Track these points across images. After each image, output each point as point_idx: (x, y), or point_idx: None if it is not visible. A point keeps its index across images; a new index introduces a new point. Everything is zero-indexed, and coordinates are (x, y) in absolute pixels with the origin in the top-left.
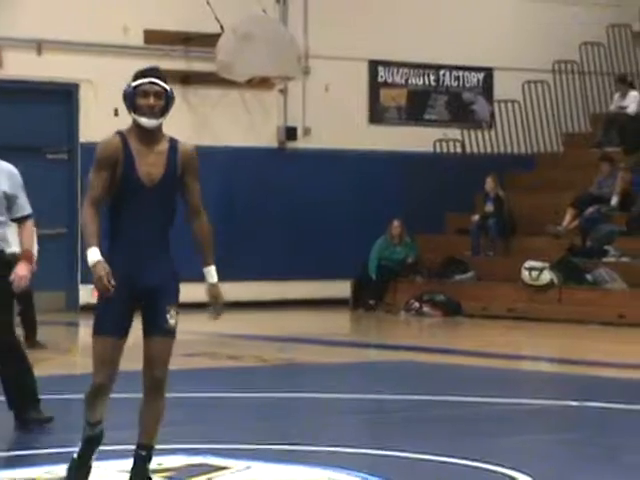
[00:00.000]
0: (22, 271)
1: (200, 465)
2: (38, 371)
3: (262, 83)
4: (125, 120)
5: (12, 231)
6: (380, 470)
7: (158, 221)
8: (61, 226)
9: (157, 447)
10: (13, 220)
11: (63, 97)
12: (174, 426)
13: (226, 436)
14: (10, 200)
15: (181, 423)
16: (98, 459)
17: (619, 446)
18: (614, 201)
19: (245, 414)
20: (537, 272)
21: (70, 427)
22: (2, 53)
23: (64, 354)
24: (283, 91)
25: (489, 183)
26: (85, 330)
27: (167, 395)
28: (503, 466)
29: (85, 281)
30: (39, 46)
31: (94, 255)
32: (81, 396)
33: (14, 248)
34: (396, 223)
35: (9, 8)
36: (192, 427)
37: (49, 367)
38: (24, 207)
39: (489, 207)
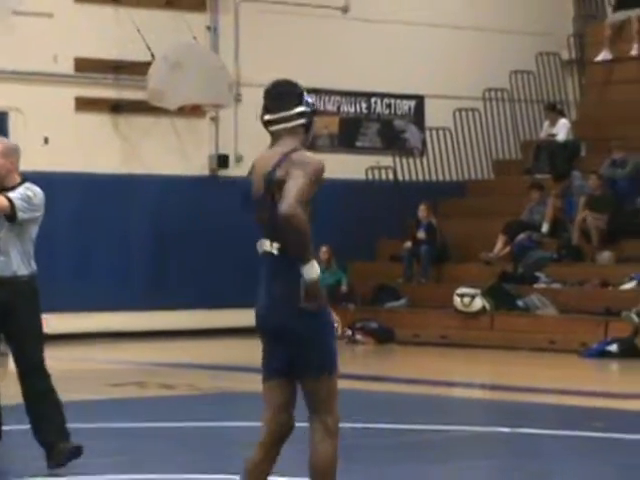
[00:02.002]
0: None
1: None
2: None
3: (193, 111)
4: (54, 149)
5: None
6: None
7: None
8: None
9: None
10: None
11: None
12: (103, 457)
13: (158, 467)
14: None
15: (111, 454)
16: None
17: (550, 472)
18: (545, 228)
19: (178, 444)
20: (469, 299)
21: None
22: None
23: None
24: (215, 119)
25: (422, 210)
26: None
27: (94, 425)
28: None
29: None
30: None
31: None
32: (11, 427)
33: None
34: (324, 249)
35: None
36: (122, 458)
37: None
38: None
39: (421, 234)
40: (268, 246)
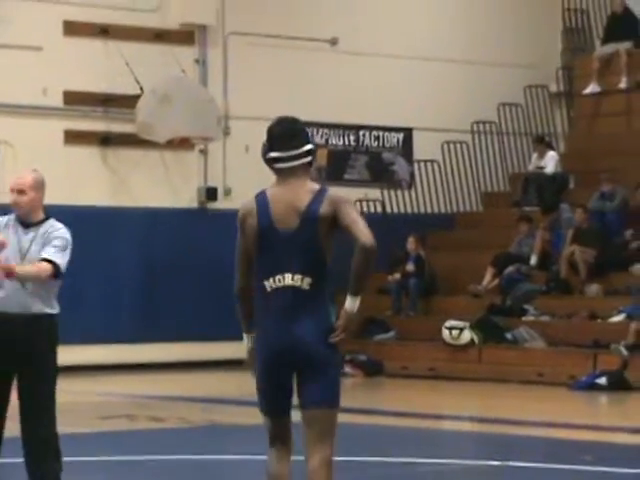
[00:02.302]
0: None
1: None
2: None
3: (182, 144)
4: (49, 184)
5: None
6: None
7: None
8: None
9: None
10: None
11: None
12: None
13: None
14: None
15: None
16: None
17: None
18: (533, 260)
19: (168, 477)
20: (457, 331)
21: None
22: None
23: None
24: (203, 152)
25: (410, 243)
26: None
27: (85, 459)
28: None
29: None
30: None
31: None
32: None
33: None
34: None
35: None
36: None
37: None
38: None
39: (410, 267)
40: (294, 280)
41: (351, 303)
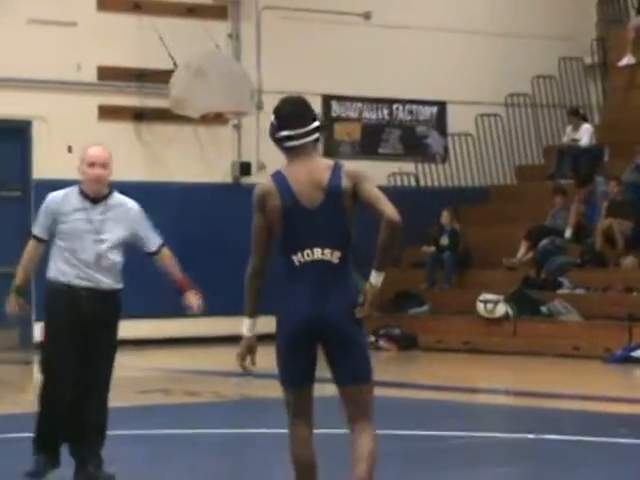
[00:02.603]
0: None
1: None
2: None
3: (216, 119)
4: (78, 157)
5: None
6: None
7: None
8: (12, 264)
9: None
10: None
11: (16, 134)
12: (130, 463)
13: (183, 474)
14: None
15: (137, 460)
16: None
17: (575, 479)
18: (568, 233)
19: (203, 450)
20: (492, 305)
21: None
22: None
23: (19, 393)
24: (237, 126)
25: (445, 217)
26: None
27: (121, 432)
28: None
29: (39, 319)
30: None
31: None
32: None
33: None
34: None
35: None
36: (147, 464)
37: (4, 405)
38: None
39: (444, 240)
40: (325, 254)
41: (376, 278)
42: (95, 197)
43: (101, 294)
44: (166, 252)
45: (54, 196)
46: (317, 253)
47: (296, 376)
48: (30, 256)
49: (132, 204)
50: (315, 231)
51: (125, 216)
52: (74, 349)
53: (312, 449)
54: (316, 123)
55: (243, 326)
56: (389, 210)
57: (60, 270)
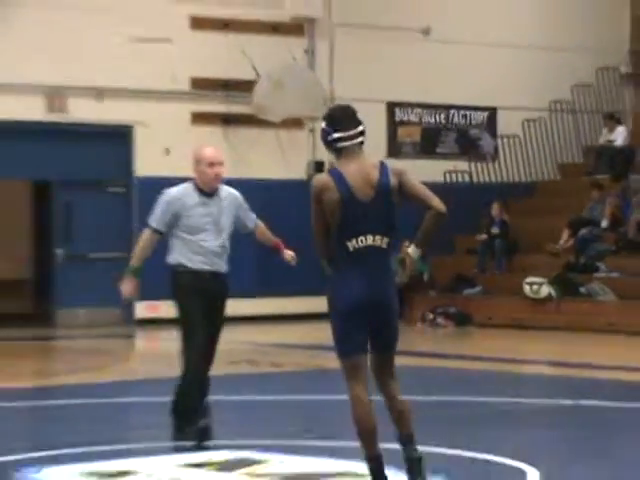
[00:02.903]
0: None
1: (243, 459)
2: (101, 378)
3: (294, 123)
4: (174, 157)
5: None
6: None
7: None
8: (117, 250)
9: (207, 444)
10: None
11: (120, 138)
12: (220, 425)
13: (265, 434)
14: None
15: (227, 423)
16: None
17: (612, 441)
18: (604, 223)
19: (282, 414)
20: (537, 286)
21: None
22: (65, 100)
23: (124, 362)
24: (312, 130)
25: (495, 209)
26: (141, 342)
27: (216, 398)
28: (511, 458)
29: (141, 297)
30: (99, 93)
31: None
32: (137, 399)
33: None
34: (406, 243)
35: (71, 60)
36: (236, 426)
37: (111, 374)
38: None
39: (495, 230)
40: (375, 241)
41: (416, 252)
42: (210, 192)
43: (220, 276)
44: (261, 224)
45: (173, 194)
46: (369, 240)
47: (358, 346)
48: (146, 244)
49: (235, 192)
50: (367, 221)
51: (234, 203)
52: (205, 326)
53: (374, 412)
54: (361, 127)
55: None
56: (437, 202)
57: (187, 258)
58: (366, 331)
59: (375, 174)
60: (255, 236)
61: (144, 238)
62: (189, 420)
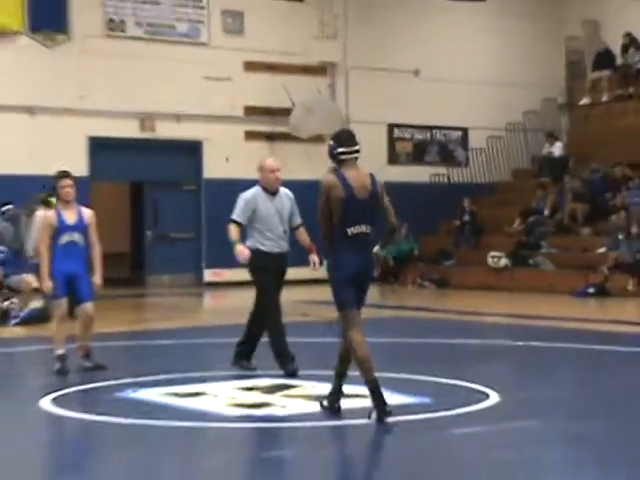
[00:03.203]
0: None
1: (282, 384)
2: (179, 324)
3: (318, 139)
4: (232, 165)
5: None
6: (397, 387)
7: None
8: (191, 232)
9: (252, 374)
10: (293, 229)
11: (193, 150)
12: (261, 360)
13: (308, 365)
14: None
15: (266, 357)
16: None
17: (553, 372)
18: (546, 212)
19: (324, 353)
20: (497, 259)
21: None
22: (154, 122)
23: (194, 314)
24: None
25: (466, 202)
26: (208, 299)
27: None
28: (477, 384)
29: (208, 266)
30: (178, 117)
31: None
32: (206, 341)
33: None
34: (403, 229)
35: (158, 93)
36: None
37: (186, 322)
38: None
39: (466, 217)
40: (366, 229)
41: (380, 251)
42: (273, 191)
43: (284, 255)
44: (303, 226)
45: (250, 195)
46: (362, 228)
47: (353, 302)
48: (236, 231)
49: (289, 191)
50: (362, 214)
51: (289, 199)
52: (276, 291)
53: (370, 349)
54: (358, 147)
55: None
56: (392, 218)
57: (261, 243)
58: (355, 291)
59: (369, 181)
60: (296, 233)
61: (232, 229)
62: (284, 359)
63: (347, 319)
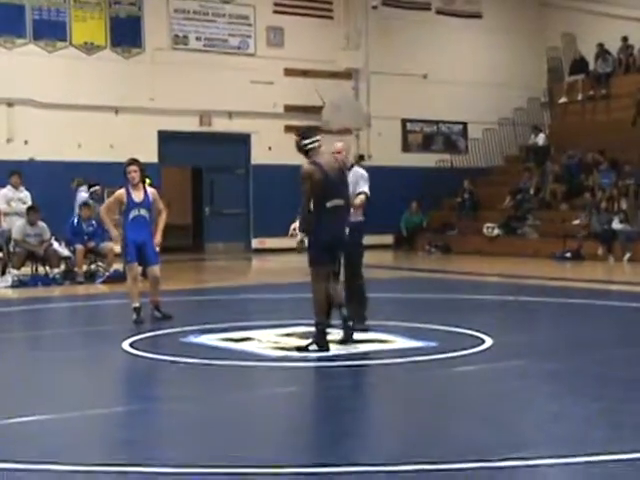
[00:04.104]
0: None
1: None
2: (231, 283)
3: (346, 131)
4: (275, 152)
5: None
6: (409, 334)
7: None
8: (241, 208)
9: (291, 322)
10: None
11: (243, 141)
12: (295, 312)
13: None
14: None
15: (300, 309)
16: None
17: (539, 321)
18: (531, 191)
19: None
20: (491, 229)
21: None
22: (210, 118)
23: (244, 274)
24: (357, 135)
25: (466, 183)
26: (255, 263)
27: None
28: (474, 331)
29: (255, 236)
30: (230, 114)
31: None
32: (253, 296)
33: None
34: (414, 204)
35: (214, 94)
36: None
37: (237, 281)
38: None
39: (466, 195)
40: (340, 202)
41: (351, 216)
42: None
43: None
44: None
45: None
46: (338, 201)
47: (326, 263)
48: None
49: (360, 170)
50: (336, 190)
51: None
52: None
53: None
54: (319, 137)
55: (299, 236)
56: (365, 191)
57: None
58: (329, 253)
59: (336, 164)
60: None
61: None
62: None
63: (318, 275)
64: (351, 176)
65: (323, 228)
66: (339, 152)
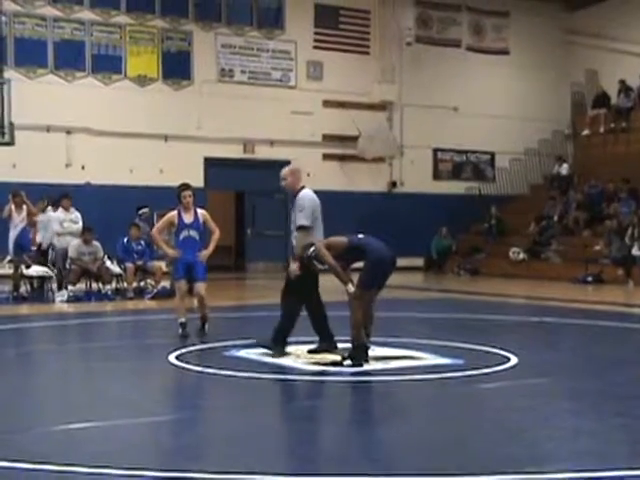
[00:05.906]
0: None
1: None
2: (269, 301)
3: (379, 159)
4: (313, 178)
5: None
6: (438, 351)
7: None
8: (280, 230)
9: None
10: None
11: (283, 167)
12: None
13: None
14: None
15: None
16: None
17: (556, 341)
18: (555, 218)
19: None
20: (517, 253)
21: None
22: (254, 146)
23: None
24: (390, 163)
25: (493, 209)
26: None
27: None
28: (500, 350)
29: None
30: (272, 142)
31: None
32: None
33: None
34: (444, 228)
35: (257, 125)
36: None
37: (274, 298)
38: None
39: (492, 221)
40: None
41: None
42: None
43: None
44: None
45: (313, 195)
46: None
47: (377, 288)
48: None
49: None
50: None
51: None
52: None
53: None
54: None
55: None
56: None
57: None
58: (382, 280)
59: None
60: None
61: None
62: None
63: (361, 295)
64: (296, 202)
65: (377, 255)
66: (283, 179)
